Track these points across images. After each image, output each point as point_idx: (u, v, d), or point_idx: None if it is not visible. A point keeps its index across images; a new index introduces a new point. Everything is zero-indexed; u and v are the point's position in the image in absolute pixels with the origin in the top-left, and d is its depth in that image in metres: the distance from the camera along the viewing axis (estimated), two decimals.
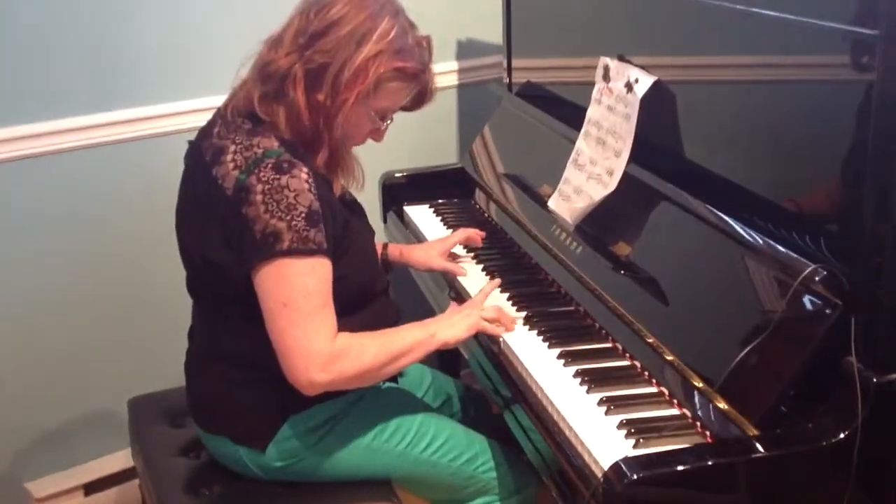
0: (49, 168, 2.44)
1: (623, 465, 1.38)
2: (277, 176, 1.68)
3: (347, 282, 1.77)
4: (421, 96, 1.87)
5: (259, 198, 1.67)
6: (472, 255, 2.31)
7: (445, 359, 2.64)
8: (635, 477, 1.36)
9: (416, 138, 2.95)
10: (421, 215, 2.61)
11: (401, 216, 2.67)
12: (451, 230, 2.47)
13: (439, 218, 2.57)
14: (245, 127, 1.76)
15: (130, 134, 2.55)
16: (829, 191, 1.55)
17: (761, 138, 1.70)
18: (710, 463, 1.38)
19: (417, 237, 2.53)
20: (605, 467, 1.46)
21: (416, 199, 2.70)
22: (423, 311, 2.39)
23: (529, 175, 2.41)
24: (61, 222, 2.49)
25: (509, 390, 1.84)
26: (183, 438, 2.07)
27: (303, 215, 1.67)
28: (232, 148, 1.74)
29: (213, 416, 1.90)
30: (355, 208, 1.95)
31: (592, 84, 2.18)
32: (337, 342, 1.72)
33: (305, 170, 1.70)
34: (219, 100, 2.53)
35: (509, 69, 2.76)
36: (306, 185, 1.68)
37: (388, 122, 1.86)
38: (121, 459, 2.67)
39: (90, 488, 2.64)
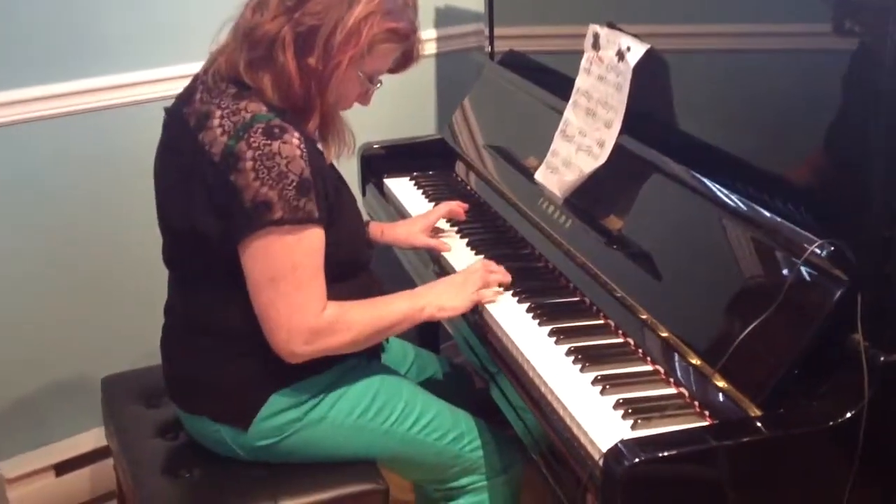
0: (14, 138, 2.34)
1: (623, 447, 1.34)
2: (268, 141, 1.61)
3: (337, 249, 1.72)
4: (407, 58, 1.81)
5: (249, 164, 1.61)
6: (455, 229, 2.25)
7: (425, 332, 2.59)
8: (636, 460, 1.31)
9: (394, 108, 2.86)
10: (401, 188, 2.54)
11: (380, 188, 2.60)
12: (433, 203, 2.41)
13: (420, 191, 2.51)
14: (230, 91, 1.69)
15: (99, 103, 2.45)
16: (834, 163, 1.50)
17: (761, 108, 1.65)
18: (713, 444, 1.34)
19: (398, 210, 2.47)
20: (604, 449, 1.41)
21: (396, 171, 2.63)
22: (407, 286, 2.34)
23: (514, 146, 2.35)
24: (27, 194, 2.39)
25: (499, 368, 1.80)
26: (159, 419, 2.01)
27: (294, 184, 1.61)
28: (218, 113, 1.67)
29: (193, 394, 1.84)
30: (341, 177, 1.89)
31: (580, 53, 2.13)
32: (324, 315, 1.69)
33: (297, 135, 1.64)
34: (190, 67, 2.44)
35: (491, 37, 2.69)
36: (298, 152, 1.62)
37: (378, 84, 1.80)
38: (93, 438, 2.60)
39: (61, 468, 2.57)
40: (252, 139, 1.62)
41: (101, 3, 2.38)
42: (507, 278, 1.93)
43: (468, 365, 2.20)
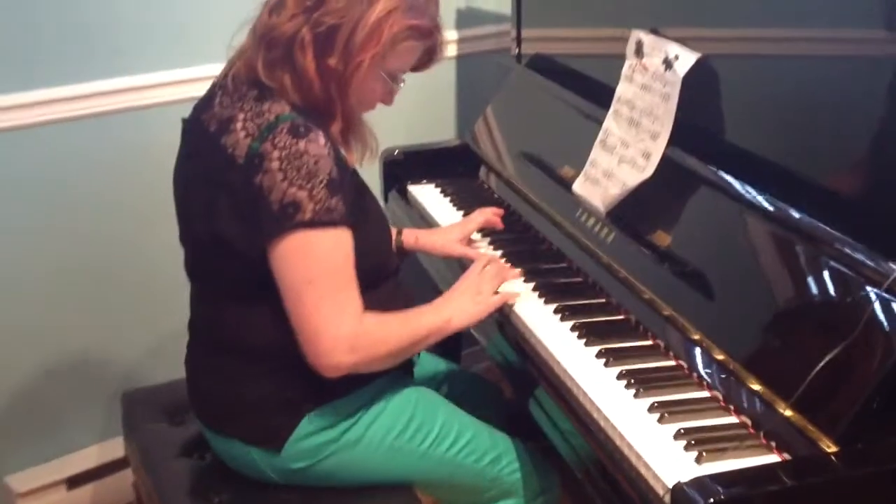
0: (35, 140, 2.27)
1: (693, 487, 1.27)
2: (295, 140, 1.55)
3: (365, 255, 1.65)
4: (430, 55, 1.75)
5: (276, 164, 1.54)
6: (487, 240, 2.18)
7: (447, 340, 2.52)
8: (711, 500, 1.24)
9: (413, 112, 2.79)
10: (427, 195, 2.47)
11: (404, 195, 2.53)
12: (461, 211, 2.34)
13: (447, 198, 2.43)
14: (251, 94, 1.62)
15: (113, 106, 2.38)
16: None
17: (832, 118, 1.58)
18: (795, 483, 1.27)
19: (424, 217, 2.39)
20: (669, 484, 1.35)
21: (419, 178, 2.56)
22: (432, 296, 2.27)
23: (545, 154, 2.27)
24: (47, 198, 2.32)
25: (542, 388, 1.73)
26: (184, 437, 1.94)
27: (324, 183, 1.54)
28: (241, 116, 1.60)
29: (222, 415, 1.76)
30: (363, 183, 1.82)
31: (614, 56, 2.06)
32: (364, 323, 1.61)
33: (322, 134, 1.57)
34: (206, 70, 2.40)
35: (518, 39, 2.61)
36: (326, 151, 1.56)
37: (402, 83, 1.73)
38: (106, 450, 2.53)
39: (73, 482, 2.49)
40: (277, 139, 1.55)
41: (116, 5, 2.30)
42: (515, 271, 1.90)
43: (495, 375, 2.14)
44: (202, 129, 1.66)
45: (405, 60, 1.68)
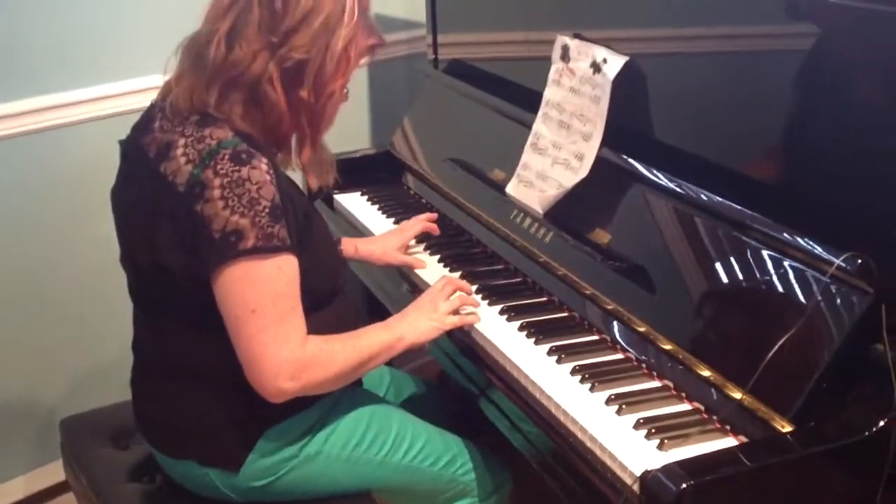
0: None
1: (665, 474, 1.32)
2: (237, 167, 1.53)
3: (312, 276, 1.64)
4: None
5: (217, 192, 1.52)
6: (422, 246, 2.20)
7: None
8: (684, 485, 1.29)
9: None
10: (355, 204, 2.48)
11: (330, 204, 2.53)
12: (391, 219, 2.36)
13: (376, 206, 2.45)
14: (193, 119, 1.60)
15: (27, 126, 2.32)
16: (855, 172, 1.52)
17: (776, 115, 1.66)
18: (760, 463, 1.34)
19: (353, 226, 2.41)
20: (636, 472, 1.40)
21: (343, 187, 2.56)
22: (373, 307, 2.29)
23: (473, 158, 2.31)
24: None
25: (493, 385, 1.76)
26: (131, 460, 1.90)
27: (266, 210, 1.53)
28: (181, 141, 1.58)
29: (175, 439, 1.74)
30: (311, 202, 1.82)
31: (531, 60, 2.11)
32: (307, 348, 1.60)
33: (265, 160, 1.56)
34: (113, 87, 2.37)
35: (435, 45, 2.65)
36: (268, 177, 1.55)
37: (347, 95, 1.74)
38: (32, 481, 2.46)
39: None
40: (219, 166, 1.53)
41: (25, 23, 2.25)
42: (468, 288, 1.90)
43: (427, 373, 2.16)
44: (142, 153, 1.63)
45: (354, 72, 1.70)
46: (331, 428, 1.76)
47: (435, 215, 2.22)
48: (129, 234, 1.68)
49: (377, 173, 2.60)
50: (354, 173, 2.58)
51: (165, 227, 1.57)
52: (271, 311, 1.56)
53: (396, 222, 2.32)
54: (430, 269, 2.10)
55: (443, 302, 1.81)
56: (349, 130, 2.99)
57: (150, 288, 1.68)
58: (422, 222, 2.17)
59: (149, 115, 1.69)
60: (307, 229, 1.67)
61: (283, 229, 1.55)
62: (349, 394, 1.83)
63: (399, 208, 2.42)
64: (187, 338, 1.68)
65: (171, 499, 1.78)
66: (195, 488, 1.76)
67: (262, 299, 1.55)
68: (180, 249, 1.57)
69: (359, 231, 2.36)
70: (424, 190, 2.45)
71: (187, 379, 1.70)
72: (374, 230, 2.30)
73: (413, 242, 2.20)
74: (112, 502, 1.81)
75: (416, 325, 1.77)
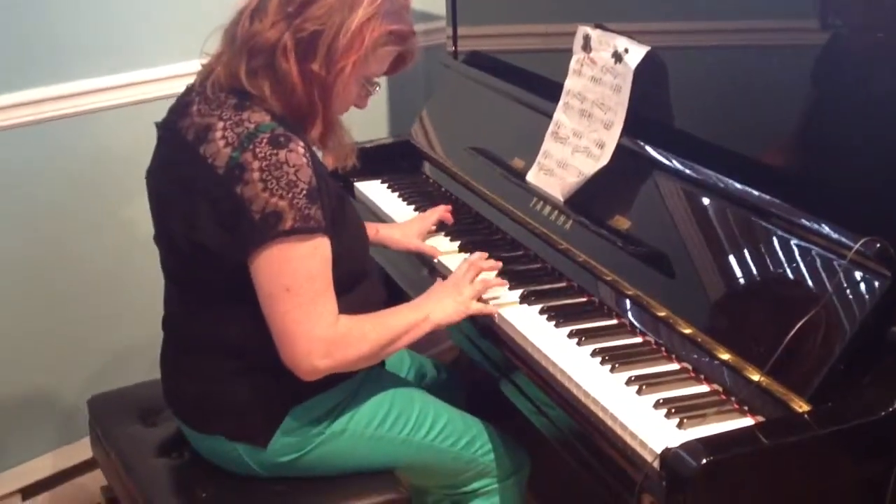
0: None
1: (686, 450, 1.36)
2: (275, 151, 1.58)
3: (343, 259, 1.69)
4: (404, 59, 1.79)
5: (256, 175, 1.57)
6: (443, 233, 2.24)
7: None
8: (704, 461, 1.33)
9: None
10: (376, 192, 2.52)
11: (350, 192, 2.57)
12: (412, 206, 2.40)
13: (396, 194, 2.49)
14: (230, 102, 1.65)
15: (49, 113, 2.35)
16: (872, 157, 1.56)
17: (796, 104, 1.70)
18: (777, 441, 1.38)
19: (374, 213, 2.44)
20: (657, 450, 1.44)
21: (363, 175, 2.60)
22: (392, 292, 2.32)
23: (493, 147, 2.35)
24: None
25: (517, 368, 1.80)
26: (159, 437, 1.95)
27: (304, 192, 1.58)
28: (220, 125, 1.63)
29: (205, 414, 1.78)
30: (342, 187, 1.87)
31: (550, 51, 2.14)
32: (339, 327, 1.65)
33: (302, 143, 1.61)
34: (138, 75, 2.41)
35: (454, 36, 2.69)
36: (305, 160, 1.60)
37: (377, 87, 1.78)
38: (59, 459, 2.51)
39: (28, 492, 2.46)
40: (258, 149, 1.58)
41: (53, 12, 2.28)
42: (497, 265, 1.93)
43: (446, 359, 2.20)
44: (179, 136, 1.68)
45: (382, 65, 1.73)
46: (355, 407, 1.81)
47: (450, 207, 2.25)
48: (166, 213, 1.72)
49: (397, 162, 2.64)
50: (374, 162, 2.61)
51: (204, 208, 1.62)
52: (306, 289, 1.61)
53: (416, 210, 2.36)
54: (450, 255, 2.14)
55: (467, 286, 1.85)
56: (368, 120, 3.02)
57: (186, 265, 1.73)
58: (438, 211, 2.21)
59: (186, 99, 1.73)
60: (341, 212, 1.72)
61: (319, 211, 1.60)
62: (373, 375, 1.87)
63: (418, 196, 2.46)
64: (220, 313, 1.73)
65: (199, 473, 1.82)
66: (223, 463, 1.80)
67: (296, 279, 1.60)
68: (219, 229, 1.62)
69: (379, 218, 2.40)
70: (444, 178, 2.49)
71: (218, 354, 1.74)
72: (395, 217, 2.34)
73: (433, 228, 2.24)
74: (141, 476, 1.85)
75: (441, 305, 1.82)
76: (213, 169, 1.60)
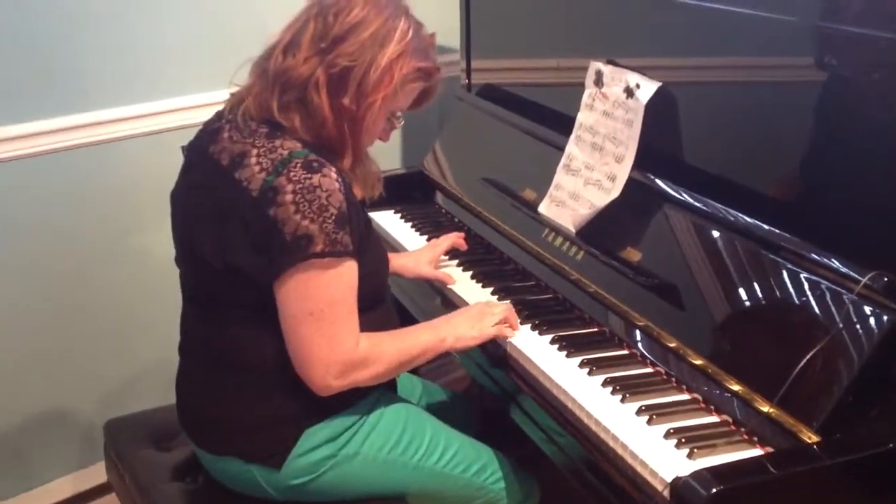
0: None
1: (695, 479, 1.38)
2: (309, 175, 1.63)
3: (364, 282, 1.73)
4: (428, 94, 1.86)
5: (289, 198, 1.62)
6: (455, 262, 2.27)
7: None
8: (714, 490, 1.35)
9: None
10: (389, 221, 2.55)
11: None
12: (425, 236, 2.44)
13: (409, 224, 2.52)
14: (262, 131, 1.70)
15: (73, 141, 2.41)
16: (881, 193, 1.59)
17: (801, 137, 1.73)
18: (787, 471, 1.40)
19: (388, 243, 2.47)
20: (667, 479, 1.46)
21: (377, 205, 2.63)
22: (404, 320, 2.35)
23: (505, 179, 2.39)
24: (9, 233, 2.33)
25: (525, 394, 1.83)
26: (174, 461, 1.97)
27: (333, 217, 1.63)
28: (254, 151, 1.68)
29: (221, 434, 1.81)
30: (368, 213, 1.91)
31: (562, 85, 2.17)
32: (358, 350, 1.70)
33: (335, 169, 1.66)
34: (156, 105, 2.45)
35: (468, 69, 2.73)
36: (337, 185, 1.64)
37: (401, 121, 1.83)
38: (77, 482, 2.54)
39: None
40: (292, 173, 1.63)
41: (74, 40, 2.33)
42: (517, 326, 1.95)
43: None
44: (212, 161, 1.72)
45: (408, 99, 1.79)
46: (369, 428, 1.84)
47: (463, 234, 2.29)
48: (196, 235, 1.75)
49: (410, 192, 2.68)
50: (387, 192, 2.62)
51: (238, 231, 1.66)
52: (328, 314, 1.66)
53: (429, 239, 2.39)
54: (462, 283, 2.17)
55: (490, 317, 1.89)
56: (382, 151, 3.06)
57: (215, 286, 1.76)
58: (451, 238, 2.25)
59: (216, 125, 1.78)
60: (367, 237, 1.76)
61: (347, 236, 1.65)
62: (385, 399, 1.90)
63: (431, 226, 2.49)
64: (243, 334, 1.76)
65: (213, 498, 1.85)
66: (237, 486, 1.82)
67: (320, 303, 1.65)
68: (252, 251, 1.66)
69: (392, 247, 2.43)
70: (456, 209, 2.52)
71: (238, 374, 1.78)
72: (408, 247, 2.38)
73: (446, 258, 2.28)
74: (156, 500, 1.87)
75: (458, 330, 1.86)
76: (248, 192, 1.65)
